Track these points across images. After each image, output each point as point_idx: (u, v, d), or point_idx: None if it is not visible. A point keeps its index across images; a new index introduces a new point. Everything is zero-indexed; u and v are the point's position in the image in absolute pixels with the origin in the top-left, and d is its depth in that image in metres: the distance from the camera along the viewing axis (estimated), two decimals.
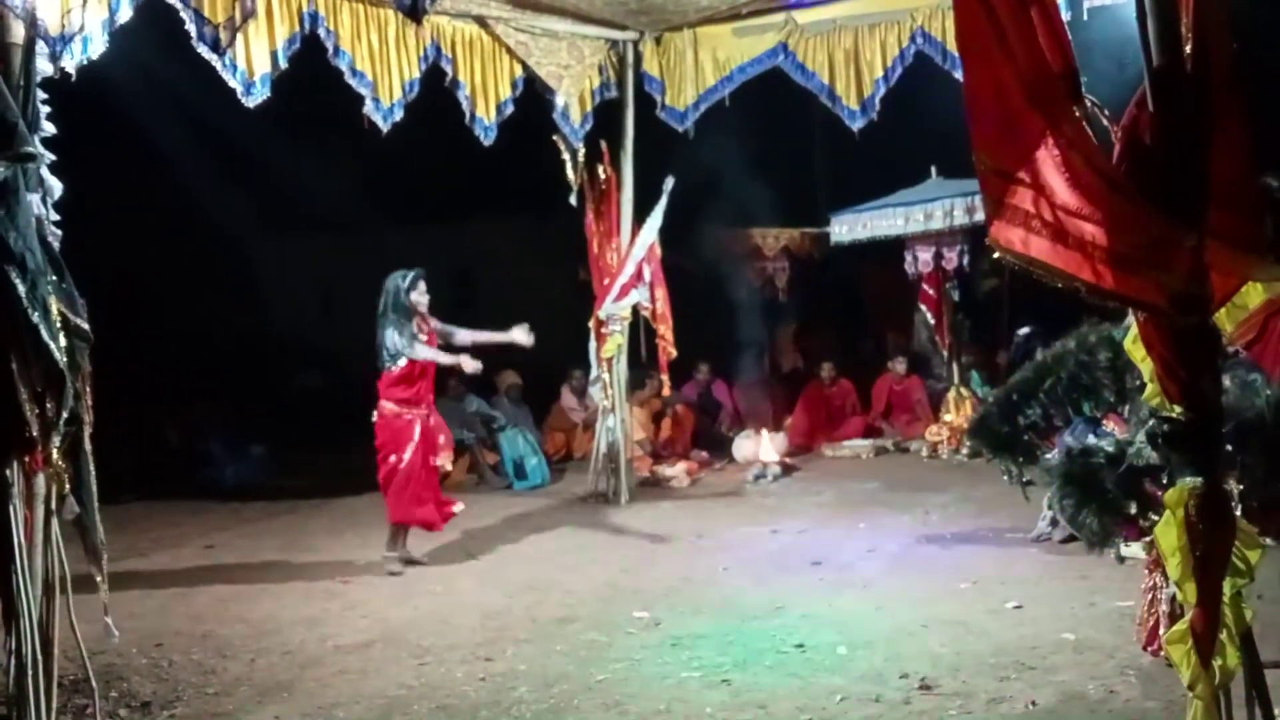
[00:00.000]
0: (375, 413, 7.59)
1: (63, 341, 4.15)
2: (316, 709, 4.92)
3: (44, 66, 4.53)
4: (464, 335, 7.74)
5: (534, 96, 8.93)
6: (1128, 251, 2.74)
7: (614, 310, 9.51)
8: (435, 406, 7.74)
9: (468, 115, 8.39)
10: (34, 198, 4.22)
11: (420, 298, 7.45)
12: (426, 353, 7.43)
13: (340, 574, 7.48)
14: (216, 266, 19.20)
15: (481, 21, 8.38)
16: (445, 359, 7.55)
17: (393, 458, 7.43)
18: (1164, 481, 3.25)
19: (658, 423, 11.69)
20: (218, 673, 5.49)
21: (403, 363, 7.36)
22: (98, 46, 5.15)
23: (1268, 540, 4.15)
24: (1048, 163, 2.80)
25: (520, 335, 7.92)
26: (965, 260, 11.50)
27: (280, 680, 5.33)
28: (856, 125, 8.92)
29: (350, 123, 7.56)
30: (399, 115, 7.58)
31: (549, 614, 6.25)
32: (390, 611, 6.48)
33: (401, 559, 7.50)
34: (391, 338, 7.32)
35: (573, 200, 9.45)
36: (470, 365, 7.56)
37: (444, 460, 7.73)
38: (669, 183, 9.36)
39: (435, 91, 8.14)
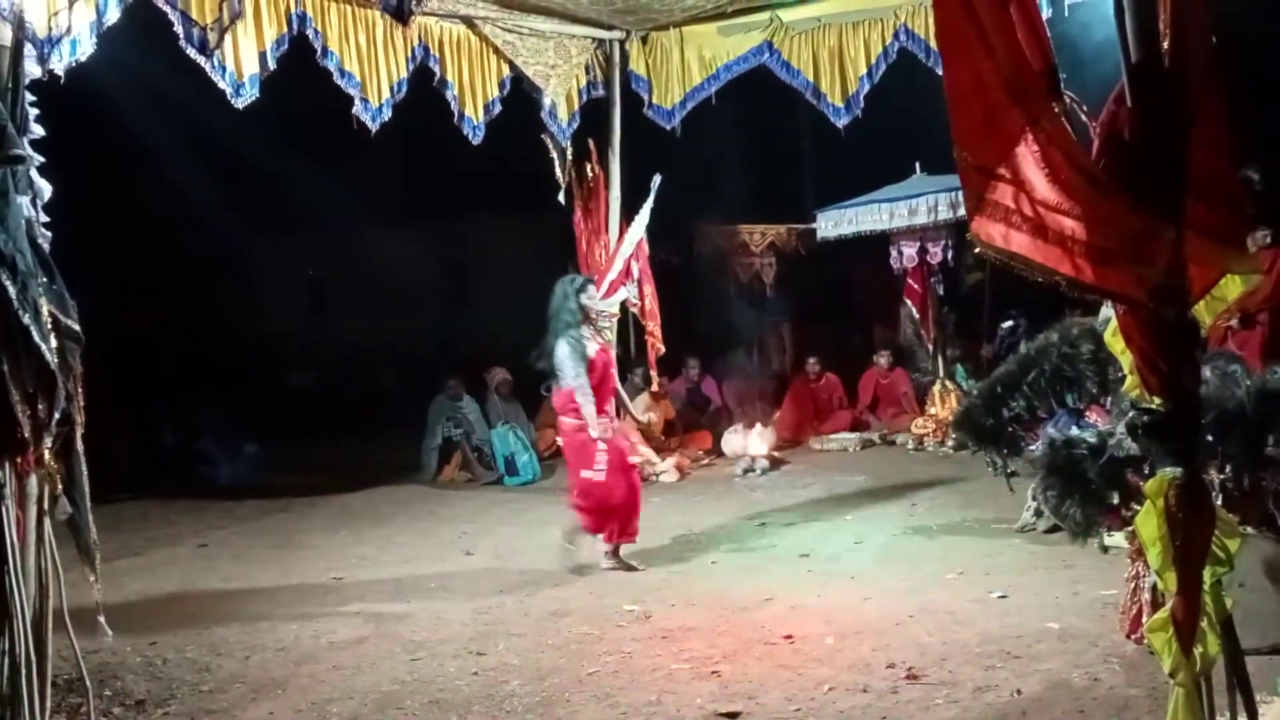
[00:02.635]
0: (558, 434, 7.43)
1: (54, 342, 4.17)
2: (310, 705, 4.95)
3: (32, 69, 4.55)
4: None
5: (522, 96, 8.95)
6: (1107, 245, 2.78)
7: (603, 307, 9.52)
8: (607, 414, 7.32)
9: (456, 115, 8.40)
10: (23, 200, 4.23)
11: (589, 301, 7.24)
12: (585, 401, 7.04)
13: (334, 571, 7.50)
14: (210, 266, 19.20)
15: (468, 22, 8.38)
16: (591, 417, 7.06)
17: (584, 473, 7.09)
18: (1145, 472, 3.29)
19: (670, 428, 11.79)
20: (212, 670, 5.51)
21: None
22: (86, 48, 5.16)
23: (1247, 529, 4.23)
24: (1028, 158, 2.83)
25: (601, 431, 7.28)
26: (949, 255, 11.59)
27: (274, 677, 5.36)
28: (841, 122, 8.95)
29: (341, 122, 7.56)
30: (387, 115, 7.58)
31: (540, 608, 6.29)
32: (383, 607, 6.51)
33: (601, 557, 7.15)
34: (562, 358, 7.07)
35: (561, 198, 9.49)
36: (600, 429, 7.09)
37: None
38: (656, 180, 9.39)
39: (424, 91, 8.15)
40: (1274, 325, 7.35)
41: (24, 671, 4.11)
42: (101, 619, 4.63)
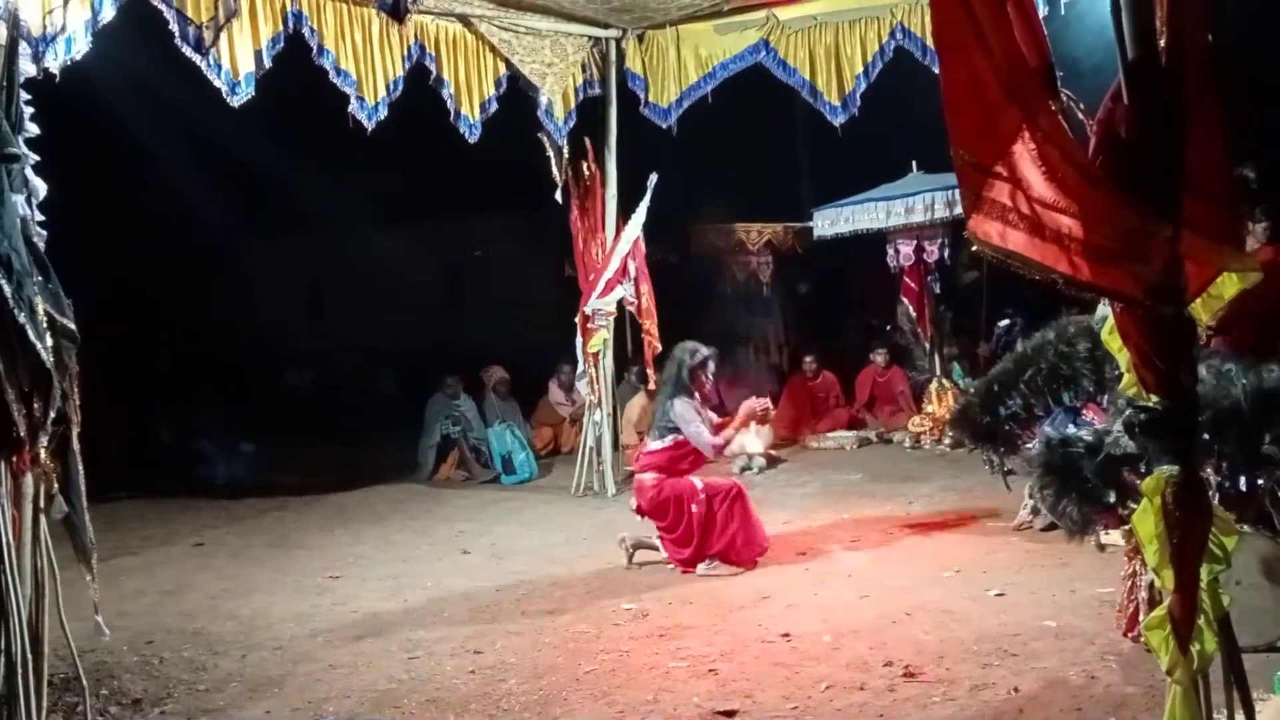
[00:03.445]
0: (633, 499, 7.24)
1: (49, 341, 4.17)
2: (307, 704, 4.95)
3: (27, 67, 4.54)
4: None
5: (518, 94, 8.96)
6: (1103, 243, 2.77)
7: (599, 306, 9.55)
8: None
9: (452, 113, 8.42)
10: (19, 199, 4.23)
11: (705, 379, 7.15)
12: (718, 439, 6.99)
13: (330, 569, 7.50)
14: (206, 264, 19.20)
15: (465, 20, 8.39)
16: (731, 437, 7.13)
17: (694, 507, 6.88)
18: (1142, 470, 3.29)
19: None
20: (209, 669, 5.51)
21: (671, 439, 6.99)
22: (81, 47, 5.16)
23: (1244, 527, 4.23)
24: (1024, 156, 2.83)
25: (750, 414, 7.21)
26: (946, 253, 11.59)
27: (271, 676, 5.36)
28: (838, 121, 8.98)
29: (337, 121, 7.57)
30: (383, 114, 7.60)
31: (538, 606, 6.29)
32: (380, 606, 6.51)
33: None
34: (680, 413, 6.94)
35: (558, 197, 9.49)
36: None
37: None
38: (653, 179, 9.40)
39: (421, 90, 8.16)
40: (1245, 330, 7.14)
41: (20, 670, 4.11)
42: (98, 618, 4.63)
